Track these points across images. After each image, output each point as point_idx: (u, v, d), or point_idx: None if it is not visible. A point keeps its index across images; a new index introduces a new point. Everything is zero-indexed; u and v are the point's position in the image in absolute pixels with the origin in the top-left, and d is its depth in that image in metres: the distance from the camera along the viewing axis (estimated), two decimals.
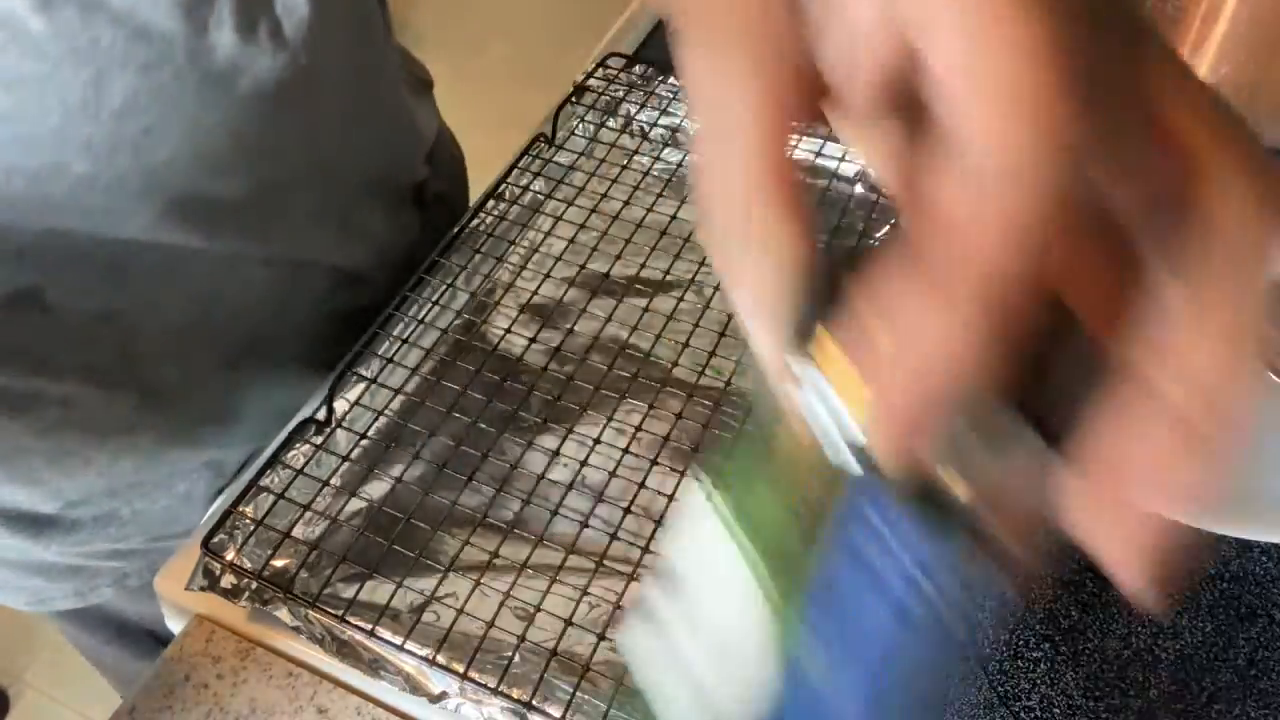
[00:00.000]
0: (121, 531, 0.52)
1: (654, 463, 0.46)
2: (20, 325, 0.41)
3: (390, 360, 0.51)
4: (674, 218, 0.57)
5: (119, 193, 0.40)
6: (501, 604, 0.42)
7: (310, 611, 0.42)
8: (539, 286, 0.55)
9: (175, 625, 0.46)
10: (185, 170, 0.41)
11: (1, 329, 0.41)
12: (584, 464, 0.46)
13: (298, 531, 0.45)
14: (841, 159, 0.60)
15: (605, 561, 0.42)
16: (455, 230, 0.56)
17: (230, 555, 0.44)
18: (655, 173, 0.62)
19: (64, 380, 0.44)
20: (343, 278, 0.54)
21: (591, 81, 0.65)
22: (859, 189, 0.60)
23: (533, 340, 0.51)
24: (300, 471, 0.46)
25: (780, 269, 0.15)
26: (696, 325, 0.52)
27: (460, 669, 0.40)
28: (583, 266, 0.55)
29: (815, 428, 0.17)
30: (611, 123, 0.65)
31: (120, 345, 0.45)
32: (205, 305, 0.47)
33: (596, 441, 0.47)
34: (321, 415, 0.48)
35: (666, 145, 0.63)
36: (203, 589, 0.43)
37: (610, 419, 0.48)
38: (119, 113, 0.38)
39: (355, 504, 0.46)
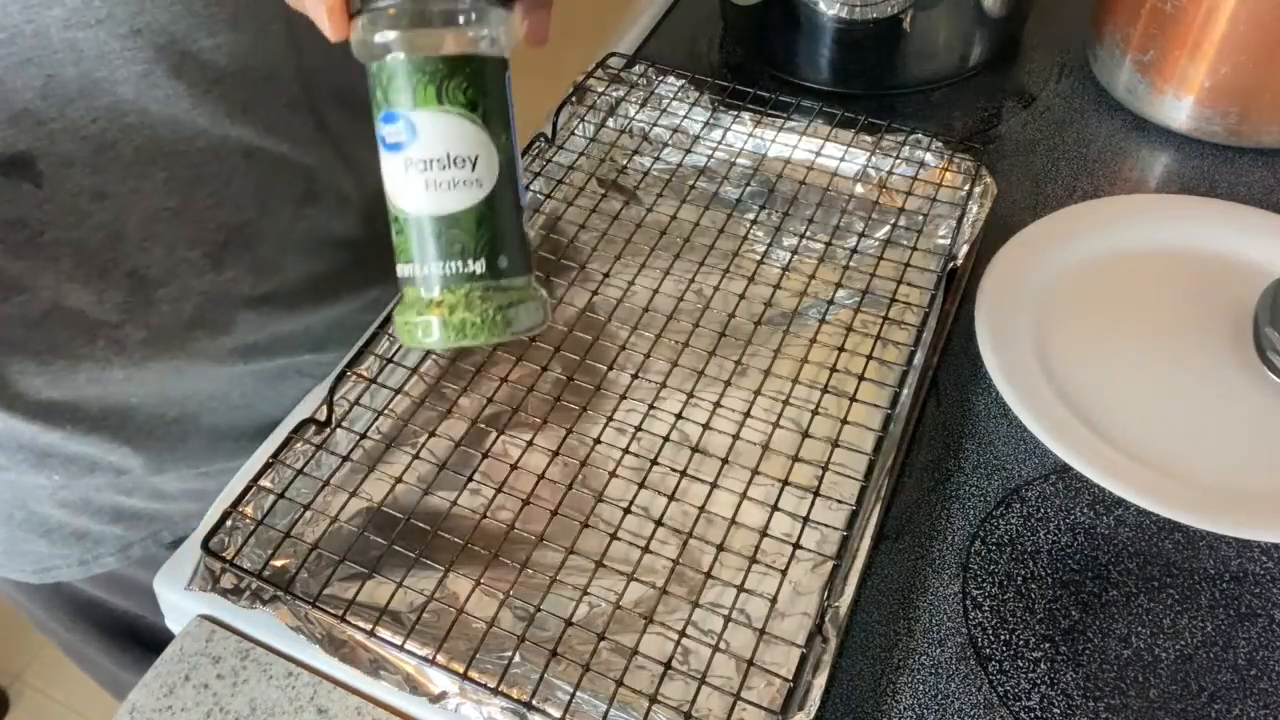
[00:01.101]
0: (122, 462, 0.53)
1: (654, 463, 0.46)
2: (14, 194, 0.43)
3: (390, 360, 0.51)
4: (674, 218, 0.57)
5: (111, 31, 0.41)
6: (501, 604, 0.42)
7: (310, 611, 0.42)
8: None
9: (175, 625, 0.46)
10: (169, 8, 0.43)
11: None
12: (584, 463, 0.46)
13: (298, 531, 0.45)
14: (841, 159, 0.60)
15: (605, 561, 0.42)
16: None
17: (230, 555, 0.44)
18: (655, 173, 0.62)
19: (56, 263, 0.45)
20: (316, 186, 0.55)
21: (591, 81, 0.65)
22: (859, 189, 0.60)
23: (533, 340, 0.51)
24: (300, 471, 0.46)
25: None
26: (696, 325, 0.52)
27: (460, 669, 0.40)
28: (582, 266, 0.55)
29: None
30: (611, 123, 0.65)
31: (109, 226, 0.46)
32: (189, 190, 0.48)
33: (597, 441, 0.47)
34: (321, 415, 0.48)
35: (666, 145, 0.63)
36: (203, 589, 0.43)
37: (610, 419, 0.48)
38: None
39: (355, 504, 0.46)
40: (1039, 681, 0.42)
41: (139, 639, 0.65)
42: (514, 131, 0.33)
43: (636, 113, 0.64)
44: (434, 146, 0.31)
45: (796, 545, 0.42)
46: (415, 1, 0.30)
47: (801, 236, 0.56)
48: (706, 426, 0.47)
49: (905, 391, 0.47)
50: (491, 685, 0.39)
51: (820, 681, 0.38)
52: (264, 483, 0.46)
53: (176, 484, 0.57)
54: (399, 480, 0.46)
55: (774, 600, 0.41)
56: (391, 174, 0.32)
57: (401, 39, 0.30)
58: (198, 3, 0.43)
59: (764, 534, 0.43)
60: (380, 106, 0.31)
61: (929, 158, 0.59)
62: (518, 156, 0.33)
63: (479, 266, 0.32)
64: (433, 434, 0.48)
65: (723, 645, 0.41)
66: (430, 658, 0.40)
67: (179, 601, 0.45)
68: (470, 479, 0.46)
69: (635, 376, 0.49)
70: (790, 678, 0.39)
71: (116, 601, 0.62)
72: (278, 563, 0.45)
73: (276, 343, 0.56)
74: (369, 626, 0.41)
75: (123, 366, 0.49)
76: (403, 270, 0.33)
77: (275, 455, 0.47)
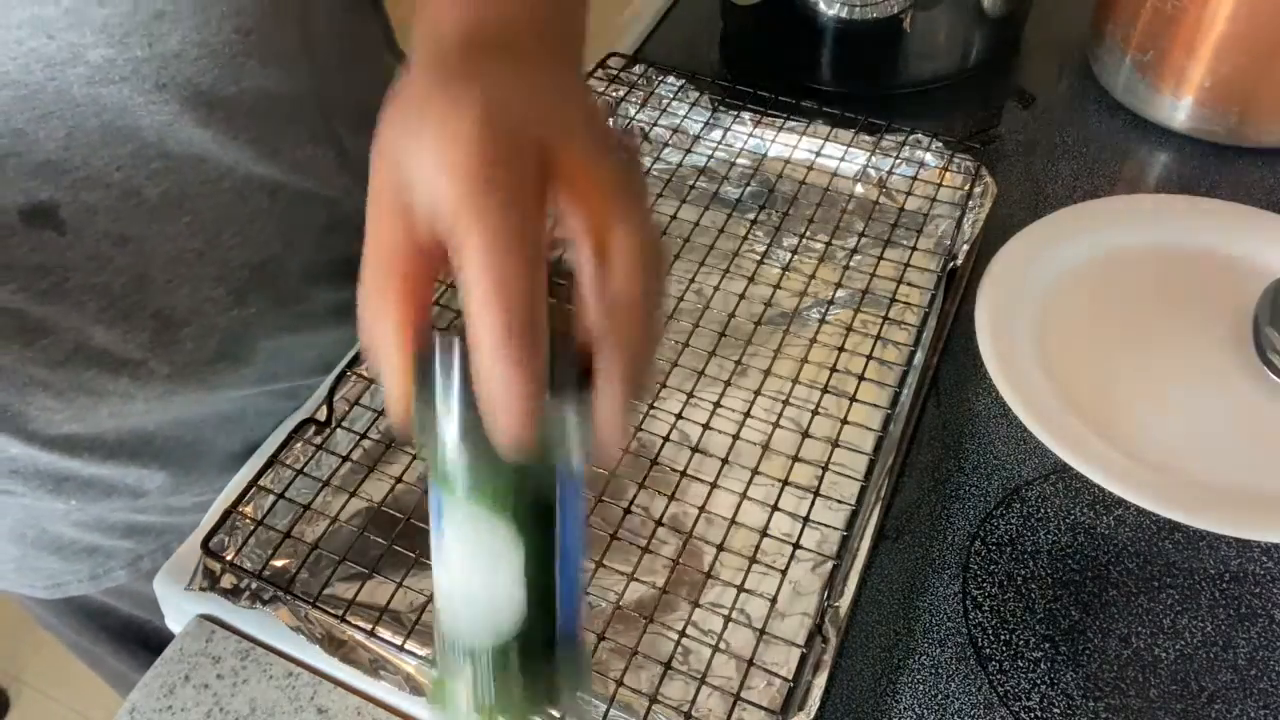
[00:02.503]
0: (139, 485, 0.53)
1: (654, 463, 0.46)
2: (37, 242, 0.42)
3: None
4: (674, 218, 0.57)
5: (136, 87, 0.41)
6: None
7: (310, 611, 0.42)
8: None
9: (175, 625, 0.46)
10: (195, 62, 0.42)
11: (18, 245, 0.42)
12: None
13: (298, 531, 0.45)
14: (841, 159, 0.60)
15: (605, 562, 0.42)
16: None
17: (230, 555, 0.44)
18: (655, 173, 0.62)
19: (80, 308, 0.44)
20: (338, 217, 0.55)
21: (591, 81, 0.65)
22: (859, 189, 0.60)
23: None
24: (300, 471, 0.46)
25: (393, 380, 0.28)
26: (696, 325, 0.52)
27: None
28: None
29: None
30: (611, 123, 0.65)
31: (133, 270, 0.45)
32: (214, 231, 0.48)
33: None
34: (321, 415, 0.48)
35: (666, 145, 0.63)
36: (203, 589, 0.43)
37: None
38: None
39: (355, 504, 0.46)
40: (1039, 681, 0.42)
41: (147, 644, 0.64)
42: (569, 532, 0.29)
43: (636, 113, 0.64)
44: (456, 535, 0.28)
45: (796, 545, 0.42)
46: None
47: (801, 236, 0.56)
48: (706, 426, 0.47)
49: (905, 391, 0.47)
50: None
51: (820, 681, 0.38)
52: (264, 483, 0.46)
53: (190, 499, 0.57)
54: (399, 480, 0.46)
55: (774, 600, 0.41)
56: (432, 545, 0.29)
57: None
58: (224, 53, 0.43)
59: (764, 534, 0.43)
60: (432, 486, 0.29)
61: (929, 158, 0.59)
62: (573, 566, 0.29)
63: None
64: None
65: (723, 645, 0.41)
66: (430, 658, 0.40)
67: (179, 602, 0.45)
68: None
69: None
70: (790, 678, 0.39)
71: (125, 609, 0.62)
72: (278, 563, 0.45)
73: (295, 368, 0.56)
74: (369, 626, 0.41)
75: (145, 400, 0.49)
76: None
77: (275, 455, 0.47)
